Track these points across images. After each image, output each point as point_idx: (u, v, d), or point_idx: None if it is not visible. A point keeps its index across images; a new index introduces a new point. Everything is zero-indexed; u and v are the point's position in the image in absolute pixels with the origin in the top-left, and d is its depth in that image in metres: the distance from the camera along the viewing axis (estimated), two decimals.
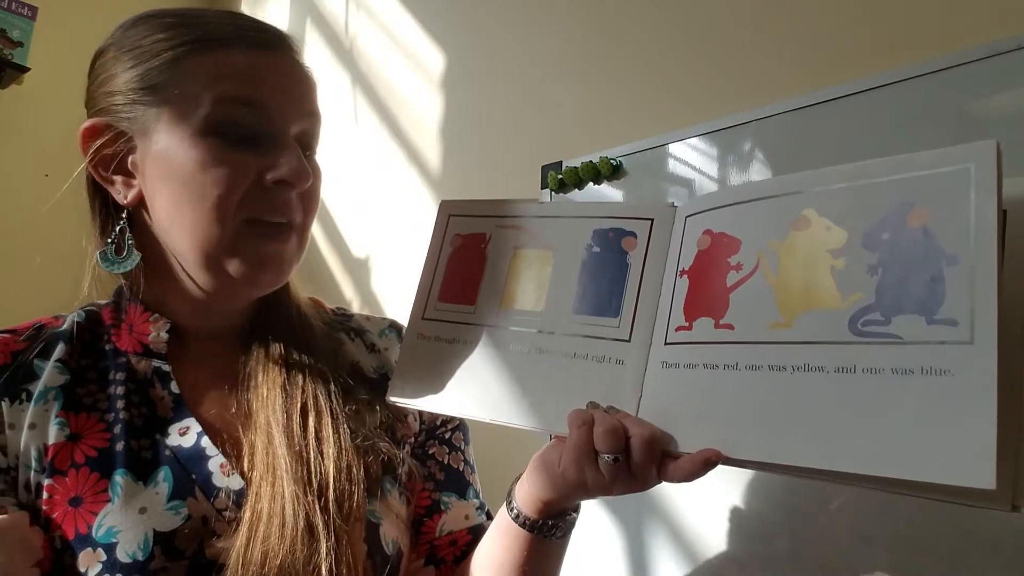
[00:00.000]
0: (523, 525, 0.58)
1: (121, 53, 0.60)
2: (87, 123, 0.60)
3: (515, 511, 0.58)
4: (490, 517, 0.72)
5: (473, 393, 0.59)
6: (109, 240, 0.62)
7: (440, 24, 1.63)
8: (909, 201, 0.45)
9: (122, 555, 0.52)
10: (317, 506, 0.56)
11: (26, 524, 0.53)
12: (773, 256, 0.49)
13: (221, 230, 0.58)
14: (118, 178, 0.61)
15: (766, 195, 0.51)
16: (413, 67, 1.68)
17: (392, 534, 0.62)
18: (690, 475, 0.47)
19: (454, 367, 0.61)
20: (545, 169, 1.25)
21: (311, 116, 0.63)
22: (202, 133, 0.57)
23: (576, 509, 0.60)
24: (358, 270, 1.77)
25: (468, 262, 0.64)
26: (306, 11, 2.09)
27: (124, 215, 0.62)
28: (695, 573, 0.94)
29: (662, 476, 0.49)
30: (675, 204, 0.58)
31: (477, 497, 0.73)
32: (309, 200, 0.63)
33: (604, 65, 1.24)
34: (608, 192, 1.16)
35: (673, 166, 1.07)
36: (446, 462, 0.72)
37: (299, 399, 0.62)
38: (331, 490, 0.57)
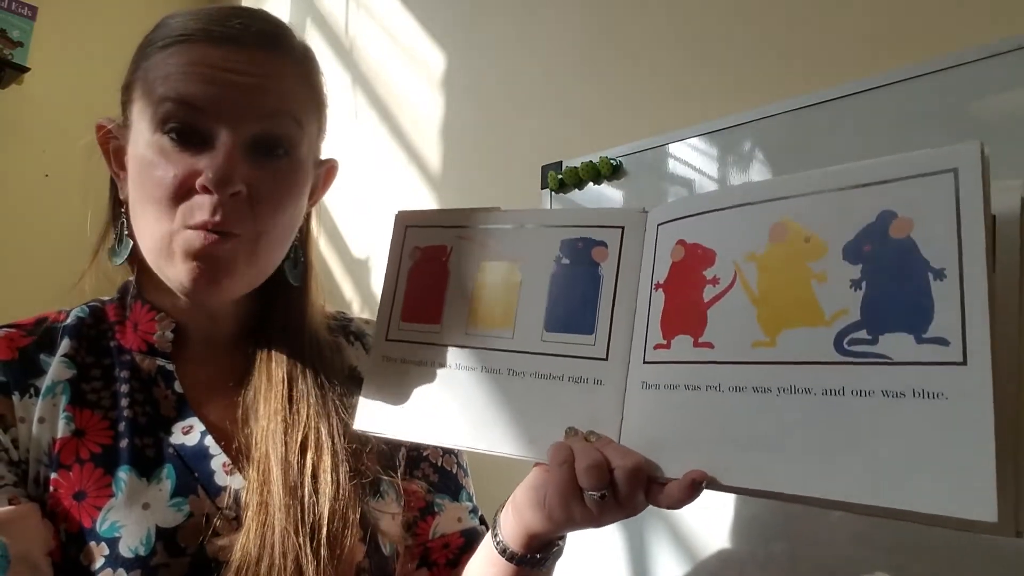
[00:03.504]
0: (510, 560, 0.56)
1: (134, 53, 0.61)
2: (99, 121, 0.62)
3: (500, 545, 0.57)
4: (483, 522, 0.71)
5: (445, 420, 0.55)
6: (114, 235, 0.63)
7: (440, 24, 1.62)
8: (891, 210, 0.42)
9: (125, 550, 0.52)
10: (308, 548, 0.54)
11: (38, 515, 0.54)
12: (751, 269, 0.46)
13: (161, 232, 0.56)
14: (122, 173, 0.62)
15: (740, 202, 0.48)
16: (413, 67, 1.67)
17: (389, 536, 0.62)
18: (679, 502, 0.45)
19: (424, 392, 0.57)
20: (545, 169, 1.25)
21: (272, 116, 0.58)
22: (152, 132, 0.56)
23: (563, 539, 0.58)
24: (358, 270, 1.77)
25: (430, 277, 0.60)
26: (306, 11, 2.08)
27: (124, 209, 0.62)
28: (694, 574, 0.94)
29: (651, 502, 0.47)
30: (646, 210, 0.54)
31: (470, 500, 0.72)
32: (261, 207, 0.57)
33: (604, 65, 1.23)
34: (608, 192, 1.15)
35: (673, 166, 1.06)
36: (439, 464, 0.71)
37: (300, 432, 0.60)
38: (324, 532, 0.56)
